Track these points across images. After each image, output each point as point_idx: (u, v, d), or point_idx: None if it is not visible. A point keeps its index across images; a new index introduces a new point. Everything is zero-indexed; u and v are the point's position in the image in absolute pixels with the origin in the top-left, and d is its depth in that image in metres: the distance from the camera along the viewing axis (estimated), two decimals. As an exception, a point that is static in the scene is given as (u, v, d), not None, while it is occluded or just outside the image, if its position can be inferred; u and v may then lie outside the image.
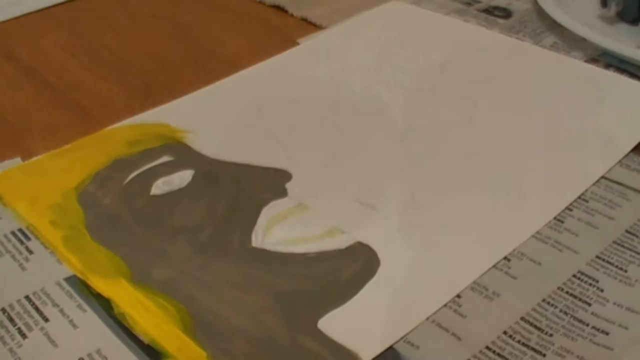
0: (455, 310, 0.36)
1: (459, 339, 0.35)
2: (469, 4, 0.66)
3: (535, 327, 0.35)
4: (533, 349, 0.34)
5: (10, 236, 0.42)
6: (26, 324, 0.37)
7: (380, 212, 0.43)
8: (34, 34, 0.64)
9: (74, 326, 0.37)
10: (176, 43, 0.62)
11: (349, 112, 0.52)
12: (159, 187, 0.45)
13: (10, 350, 0.35)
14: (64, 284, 0.39)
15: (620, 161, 0.45)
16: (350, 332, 0.35)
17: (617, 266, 0.38)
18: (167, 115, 0.52)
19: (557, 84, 0.53)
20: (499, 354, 0.34)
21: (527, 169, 0.45)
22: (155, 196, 0.44)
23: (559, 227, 0.41)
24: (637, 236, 0.40)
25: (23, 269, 0.40)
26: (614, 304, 0.36)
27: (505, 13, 0.64)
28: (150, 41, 0.63)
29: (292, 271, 0.39)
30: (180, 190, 0.45)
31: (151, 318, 0.36)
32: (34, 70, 0.59)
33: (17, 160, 0.48)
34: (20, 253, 0.41)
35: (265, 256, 0.40)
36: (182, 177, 0.46)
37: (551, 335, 0.35)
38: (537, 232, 0.40)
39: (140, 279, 0.39)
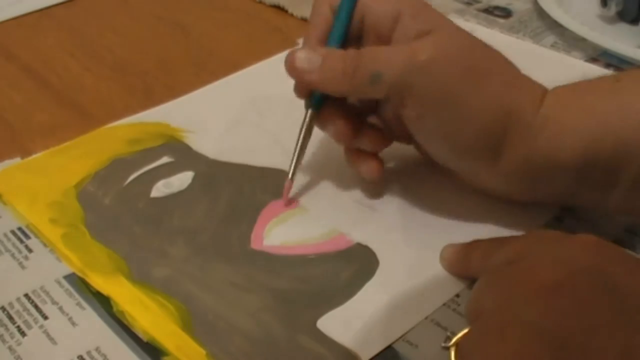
0: (454, 310, 0.36)
1: (458, 337, 0.35)
2: (469, 3, 0.66)
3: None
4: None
5: (10, 235, 0.42)
6: (25, 322, 0.37)
7: (379, 212, 0.43)
8: (34, 34, 0.64)
9: (73, 324, 0.37)
10: (176, 43, 0.62)
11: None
12: (159, 189, 0.45)
13: (10, 348, 0.35)
14: (64, 282, 0.39)
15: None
16: (349, 332, 0.35)
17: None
18: (167, 114, 0.52)
19: (557, 84, 0.53)
20: (498, 353, 0.34)
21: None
22: (155, 198, 0.44)
23: (558, 226, 0.41)
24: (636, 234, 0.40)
25: (23, 267, 0.40)
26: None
27: (505, 13, 0.64)
28: (150, 41, 0.63)
29: (292, 272, 0.39)
30: (180, 192, 0.45)
31: (150, 316, 0.36)
32: (34, 70, 0.59)
33: (17, 160, 0.48)
34: (20, 252, 0.41)
35: (265, 257, 0.40)
36: (182, 179, 0.46)
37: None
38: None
39: (140, 278, 0.39)
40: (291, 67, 0.40)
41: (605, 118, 0.37)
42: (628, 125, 0.36)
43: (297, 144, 0.42)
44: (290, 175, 0.43)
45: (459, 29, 0.40)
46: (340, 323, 0.36)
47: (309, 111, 0.42)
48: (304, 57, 0.40)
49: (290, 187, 0.43)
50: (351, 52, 0.39)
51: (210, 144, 0.49)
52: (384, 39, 0.40)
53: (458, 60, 0.38)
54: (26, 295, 0.38)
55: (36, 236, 0.42)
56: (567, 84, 0.40)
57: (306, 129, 0.42)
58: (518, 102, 0.38)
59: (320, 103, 0.42)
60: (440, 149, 0.40)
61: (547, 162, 0.37)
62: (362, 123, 0.42)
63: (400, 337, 0.35)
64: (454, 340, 0.31)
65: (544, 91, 0.39)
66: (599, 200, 0.38)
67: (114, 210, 0.44)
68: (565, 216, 0.41)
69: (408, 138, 0.42)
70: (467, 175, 0.41)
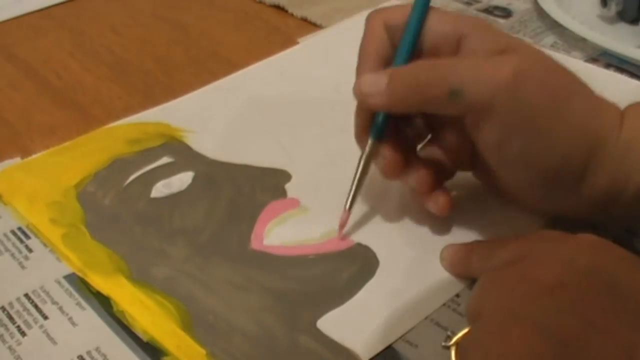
0: (454, 310, 0.36)
1: (458, 337, 0.35)
2: (469, 3, 0.66)
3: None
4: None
5: (10, 235, 0.42)
6: (25, 322, 0.37)
7: (379, 212, 0.43)
8: (34, 34, 0.64)
9: (73, 324, 0.37)
10: (176, 43, 0.62)
11: (348, 111, 0.51)
12: (159, 189, 0.45)
13: (10, 348, 0.35)
14: (64, 282, 0.39)
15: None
16: (349, 332, 0.35)
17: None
18: (167, 114, 0.52)
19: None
20: (498, 353, 0.34)
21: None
22: (155, 199, 0.44)
23: (557, 226, 0.41)
24: (636, 234, 0.40)
25: (23, 267, 0.40)
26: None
27: (505, 13, 0.64)
28: (150, 41, 0.63)
29: (292, 272, 0.39)
30: (180, 192, 0.45)
31: (150, 316, 0.36)
32: (34, 70, 0.59)
33: (17, 160, 0.48)
34: (20, 252, 0.41)
35: (265, 257, 0.40)
36: (182, 180, 0.46)
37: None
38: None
39: (140, 277, 0.39)
40: (358, 93, 0.38)
41: None
42: None
43: (355, 175, 0.40)
44: (347, 207, 0.40)
45: (535, 47, 0.37)
46: (340, 323, 0.36)
47: (371, 141, 0.39)
48: (370, 79, 0.37)
49: (347, 219, 0.41)
50: (423, 63, 0.36)
51: (210, 144, 0.49)
52: None
53: (544, 79, 0.35)
54: (26, 295, 0.38)
55: (36, 236, 0.42)
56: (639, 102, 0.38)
57: (366, 160, 0.40)
58: (603, 125, 0.36)
59: (382, 132, 0.39)
60: (520, 177, 0.37)
61: (629, 187, 0.36)
62: (412, 157, 0.40)
63: (400, 337, 0.35)
64: (454, 339, 0.31)
65: (620, 112, 0.37)
66: None
67: (114, 210, 0.44)
68: (565, 216, 0.41)
69: (470, 165, 0.40)
70: (539, 202, 0.39)
